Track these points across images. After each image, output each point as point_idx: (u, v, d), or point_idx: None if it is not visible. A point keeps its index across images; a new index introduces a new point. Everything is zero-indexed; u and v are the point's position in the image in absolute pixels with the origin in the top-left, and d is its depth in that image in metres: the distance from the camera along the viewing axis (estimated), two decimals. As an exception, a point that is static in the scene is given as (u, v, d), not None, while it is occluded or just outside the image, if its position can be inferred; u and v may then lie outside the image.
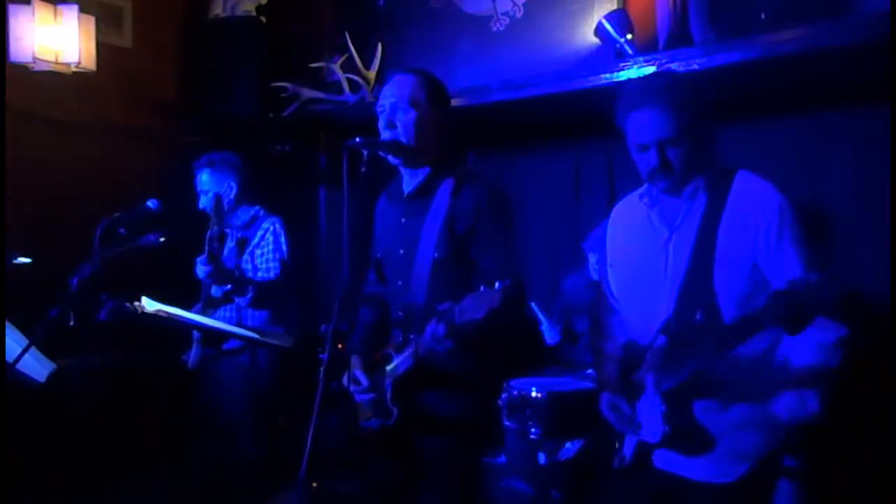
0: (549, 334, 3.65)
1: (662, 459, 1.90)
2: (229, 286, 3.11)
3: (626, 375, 1.93)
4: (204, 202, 3.24)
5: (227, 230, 3.26)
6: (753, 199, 1.82)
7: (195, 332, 3.18)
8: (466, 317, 1.83)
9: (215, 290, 3.18)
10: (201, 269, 3.05)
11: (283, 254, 3.17)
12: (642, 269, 1.95)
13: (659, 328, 1.83)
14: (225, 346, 3.20)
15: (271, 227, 3.20)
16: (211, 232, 3.10)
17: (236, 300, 3.14)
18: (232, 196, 3.21)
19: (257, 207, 3.30)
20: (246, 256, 3.20)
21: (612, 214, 2.12)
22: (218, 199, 3.13)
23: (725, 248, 1.80)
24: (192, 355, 3.18)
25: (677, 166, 1.81)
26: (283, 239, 3.19)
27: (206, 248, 3.07)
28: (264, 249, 3.18)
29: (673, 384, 1.79)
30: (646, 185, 1.97)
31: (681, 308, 1.80)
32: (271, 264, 3.16)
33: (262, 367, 3.16)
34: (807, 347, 1.75)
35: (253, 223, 3.26)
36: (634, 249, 1.99)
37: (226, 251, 3.21)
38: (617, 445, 2.01)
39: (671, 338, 1.77)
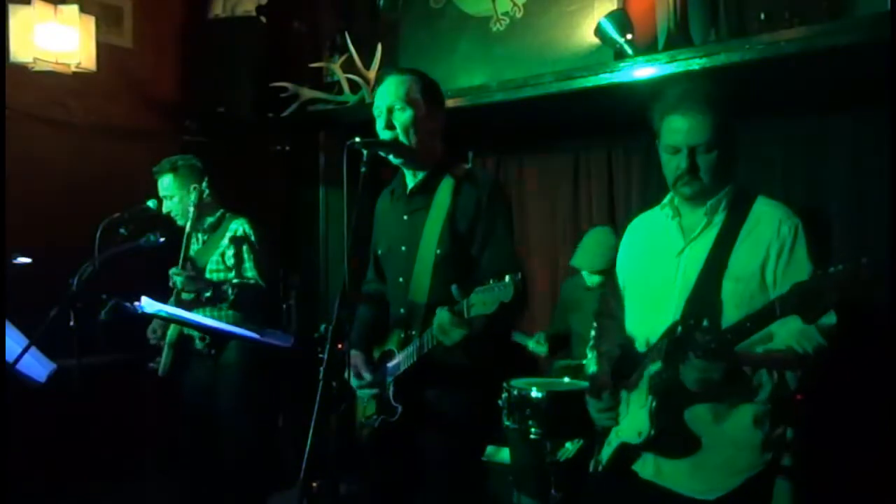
0: (537, 348, 3.66)
1: (650, 470, 1.90)
2: (209, 292, 3.08)
3: (619, 374, 1.94)
4: (168, 206, 3.22)
5: (194, 233, 3.24)
6: (771, 219, 1.85)
7: (168, 337, 3.16)
8: (476, 311, 1.83)
9: (186, 294, 3.15)
10: (178, 280, 3.03)
11: (256, 254, 3.16)
12: (653, 277, 1.96)
13: (663, 332, 1.83)
14: (197, 347, 3.17)
15: (240, 228, 3.18)
16: (186, 236, 3.10)
17: (218, 304, 3.12)
18: (203, 199, 3.19)
19: (221, 210, 3.28)
20: (216, 258, 3.18)
21: (629, 229, 2.15)
22: (199, 199, 3.13)
23: (738, 264, 1.82)
24: (162, 361, 3.16)
25: (704, 173, 1.84)
26: (254, 239, 3.18)
27: (182, 256, 3.06)
28: (237, 249, 3.16)
29: (667, 382, 1.79)
30: (668, 197, 1.99)
31: (686, 314, 1.81)
32: (247, 264, 3.15)
33: (234, 363, 3.14)
34: (789, 332, 1.76)
35: (220, 224, 3.25)
36: (648, 259, 2.01)
37: (192, 253, 3.20)
38: (595, 450, 2.01)
39: (673, 342, 1.77)
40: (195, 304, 3.13)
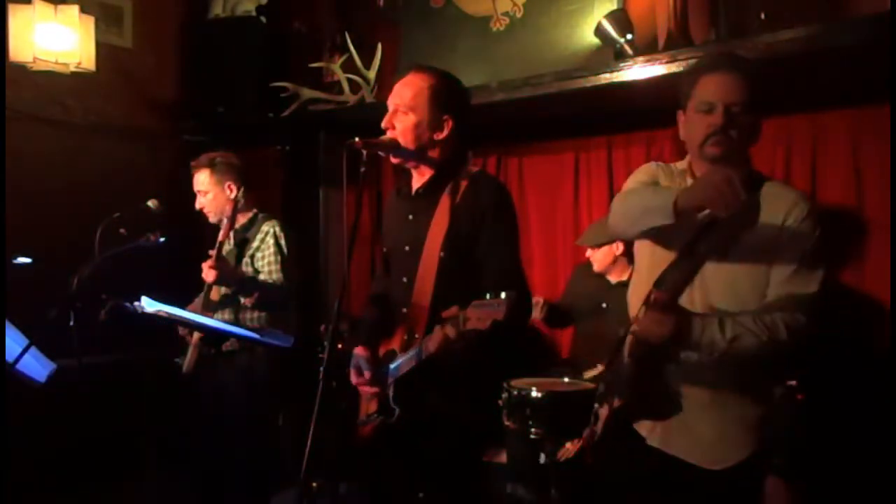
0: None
1: (657, 439, 1.93)
2: (235, 287, 3.09)
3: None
4: (201, 202, 3.23)
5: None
6: (784, 198, 1.84)
7: (193, 336, 3.17)
8: (471, 326, 1.83)
9: (214, 293, 3.16)
10: (210, 273, 3.02)
11: (284, 257, 3.16)
12: (667, 241, 1.95)
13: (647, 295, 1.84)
14: (223, 347, 3.18)
15: (271, 230, 3.18)
16: (221, 234, 3.09)
17: (242, 300, 3.13)
18: (237, 197, 3.20)
19: (255, 210, 3.29)
20: (246, 259, 3.18)
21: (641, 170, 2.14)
22: (236, 201, 3.13)
23: (746, 241, 1.82)
24: (187, 359, 3.16)
25: (735, 134, 1.81)
26: (283, 242, 3.18)
27: (217, 251, 3.05)
28: (265, 252, 3.16)
29: (645, 348, 1.83)
30: (685, 162, 1.98)
31: (674, 283, 1.83)
32: (273, 266, 3.15)
33: (261, 367, 3.15)
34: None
35: (252, 226, 3.25)
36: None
37: (224, 253, 3.20)
38: (592, 420, 2.03)
39: (654, 306, 1.78)
40: (224, 304, 3.13)
